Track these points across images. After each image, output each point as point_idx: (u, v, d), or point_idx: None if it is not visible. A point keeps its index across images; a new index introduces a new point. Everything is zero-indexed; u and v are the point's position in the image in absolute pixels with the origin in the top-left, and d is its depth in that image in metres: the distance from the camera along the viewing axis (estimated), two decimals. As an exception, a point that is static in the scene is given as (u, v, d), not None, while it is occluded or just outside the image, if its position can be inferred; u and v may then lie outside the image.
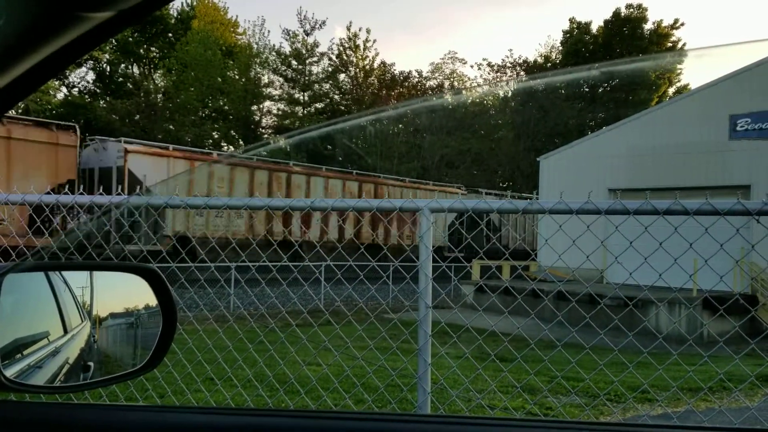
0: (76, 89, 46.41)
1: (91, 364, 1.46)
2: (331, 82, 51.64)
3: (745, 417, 4.41)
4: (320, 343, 6.98)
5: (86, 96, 45.38)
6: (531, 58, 53.62)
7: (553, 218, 3.06)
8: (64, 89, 45.90)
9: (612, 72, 42.01)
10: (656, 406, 6.30)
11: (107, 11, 0.77)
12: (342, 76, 51.84)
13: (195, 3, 47.85)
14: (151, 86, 47.20)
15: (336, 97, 52.00)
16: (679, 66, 45.83)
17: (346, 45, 50.43)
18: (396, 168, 42.54)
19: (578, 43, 49.33)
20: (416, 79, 52.99)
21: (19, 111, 38.13)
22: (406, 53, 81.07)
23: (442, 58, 67.69)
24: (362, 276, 3.57)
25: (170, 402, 4.70)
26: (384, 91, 50.79)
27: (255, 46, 49.88)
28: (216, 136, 47.35)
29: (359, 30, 50.93)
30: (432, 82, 53.80)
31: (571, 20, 50.65)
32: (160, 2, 0.83)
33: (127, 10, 0.78)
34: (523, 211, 3.18)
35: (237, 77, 47.35)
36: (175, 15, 46.94)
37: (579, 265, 3.45)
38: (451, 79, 54.85)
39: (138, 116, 42.92)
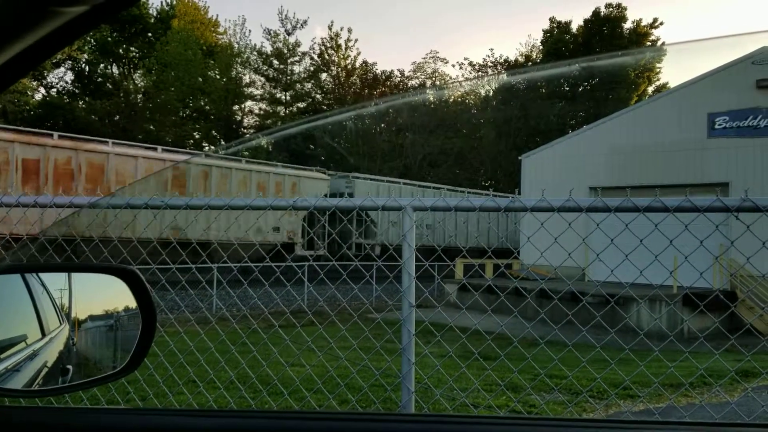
0: (55, 90, 45.84)
1: (70, 367, 1.43)
2: (312, 81, 51.55)
3: (726, 412, 4.45)
4: (303, 343, 6.95)
5: (65, 96, 44.79)
6: (512, 58, 53.95)
7: (535, 216, 3.07)
8: (42, 90, 45.37)
9: (592, 70, 42.32)
10: (638, 402, 6.35)
11: (81, 6, 0.75)
12: (324, 76, 51.81)
13: (175, 2, 47.45)
14: (131, 86, 46.71)
15: (318, 96, 51.90)
16: (658, 65, 46.29)
17: (328, 44, 50.42)
18: (378, 167, 42.54)
19: (558, 43, 49.62)
20: (398, 79, 53.08)
21: (-4, 112, 37.56)
22: (387, 52, 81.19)
23: (424, 58, 68.00)
24: (345, 276, 3.56)
25: (152, 405, 4.65)
26: (366, 91, 50.74)
27: (236, 45, 49.63)
28: (197, 137, 47.03)
29: (341, 29, 51.02)
30: (414, 82, 53.91)
31: (552, 19, 51.03)
32: None
33: (101, 5, 0.76)
34: (505, 209, 3.19)
35: (218, 77, 47.03)
36: (154, 14, 46.52)
37: (561, 263, 3.46)
38: (433, 79, 54.97)
39: (118, 117, 42.49)
